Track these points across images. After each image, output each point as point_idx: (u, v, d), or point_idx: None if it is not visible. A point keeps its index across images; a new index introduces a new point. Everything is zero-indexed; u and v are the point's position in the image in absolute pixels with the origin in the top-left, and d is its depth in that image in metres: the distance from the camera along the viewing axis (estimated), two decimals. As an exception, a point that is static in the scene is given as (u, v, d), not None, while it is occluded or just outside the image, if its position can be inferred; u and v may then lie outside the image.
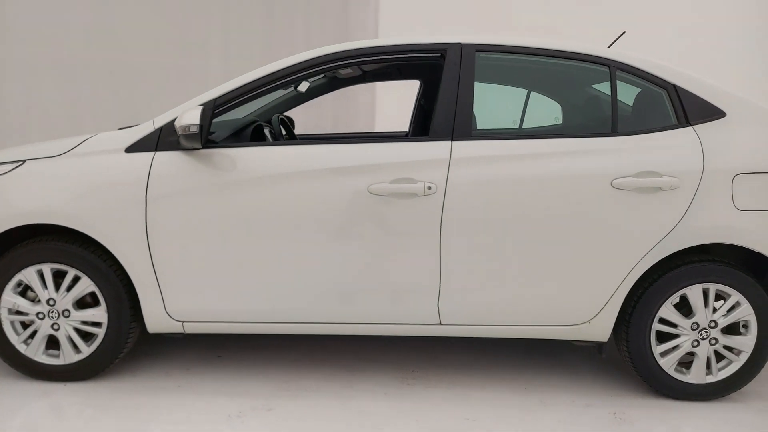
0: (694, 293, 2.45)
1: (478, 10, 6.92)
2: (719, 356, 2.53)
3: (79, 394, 2.45)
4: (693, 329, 2.47)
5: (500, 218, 2.38)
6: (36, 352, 2.49)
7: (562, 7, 6.70)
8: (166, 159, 2.39)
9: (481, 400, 2.50)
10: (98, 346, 2.48)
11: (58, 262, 2.42)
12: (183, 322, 2.47)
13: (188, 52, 5.66)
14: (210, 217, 2.37)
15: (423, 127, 3.35)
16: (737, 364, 2.51)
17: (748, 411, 2.47)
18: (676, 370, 2.54)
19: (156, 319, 2.46)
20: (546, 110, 2.90)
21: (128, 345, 2.52)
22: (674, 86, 2.50)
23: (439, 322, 2.48)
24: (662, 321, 2.48)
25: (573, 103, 2.91)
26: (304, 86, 3.40)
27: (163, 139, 2.40)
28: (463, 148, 2.40)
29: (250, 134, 2.76)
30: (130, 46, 5.64)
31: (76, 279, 2.44)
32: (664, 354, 2.51)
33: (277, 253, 2.39)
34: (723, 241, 2.40)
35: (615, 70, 2.52)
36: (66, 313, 2.46)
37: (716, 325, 2.48)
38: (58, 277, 2.46)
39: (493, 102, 2.79)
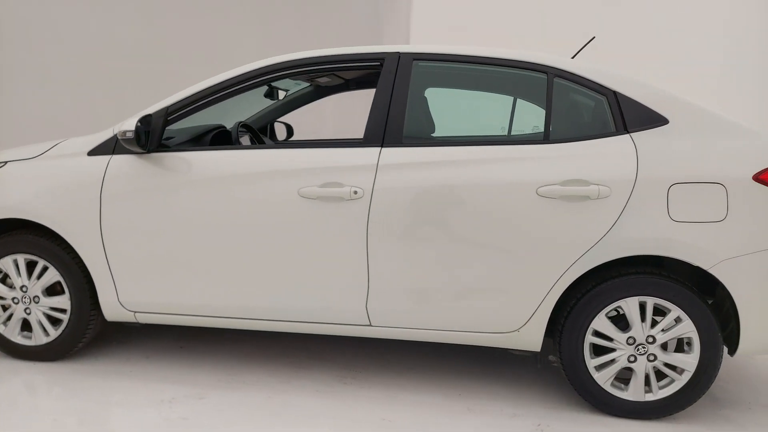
0: (630, 306, 2.37)
1: (509, 17, 6.87)
2: (661, 374, 2.43)
3: (45, 374, 2.71)
4: (629, 344, 2.39)
5: (426, 224, 2.41)
6: (13, 333, 2.79)
7: (595, 13, 6.52)
8: (121, 162, 2.61)
9: (408, 402, 2.53)
10: (63, 331, 2.74)
11: (30, 253, 2.71)
12: (135, 312, 2.68)
13: (215, 63, 6.01)
14: (155, 216, 2.56)
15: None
16: (679, 383, 2.39)
17: (688, 433, 2.35)
18: (613, 385, 2.45)
19: (111, 309, 2.69)
20: (494, 118, 2.89)
21: (89, 330, 2.76)
22: (614, 92, 2.44)
23: (369, 323, 2.54)
24: (597, 334, 2.41)
25: (515, 110, 2.89)
26: (280, 94, 3.59)
27: (120, 143, 2.63)
28: (392, 154, 2.46)
29: (210, 140, 2.95)
30: (133, 54, 6.00)
31: (45, 269, 2.71)
32: (599, 368, 2.44)
33: (213, 252, 2.54)
34: (657, 253, 2.31)
35: (553, 77, 2.49)
36: (36, 299, 2.74)
37: (654, 340, 2.38)
38: (33, 266, 2.74)
39: (445, 110, 2.83)
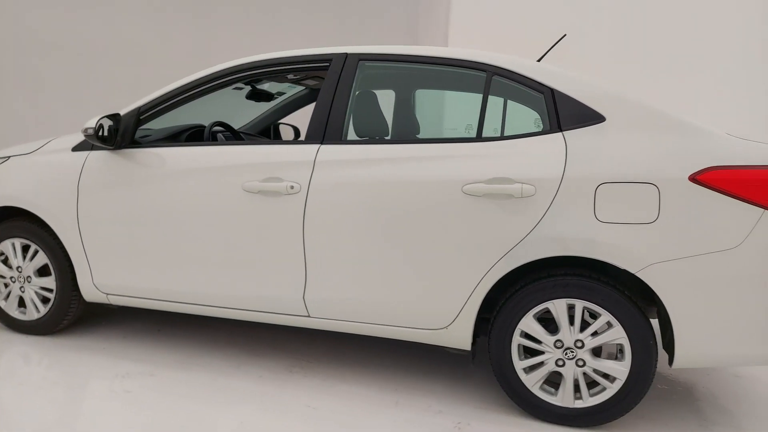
0: (557, 308, 2.31)
1: (549, 17, 6.71)
2: (592, 381, 2.34)
3: (34, 346, 3.03)
4: (557, 347, 2.33)
5: (359, 219, 2.48)
6: (11, 308, 3.14)
7: (633, 21, 6.23)
8: (97, 157, 2.88)
9: (341, 392, 2.59)
10: (50, 309, 3.05)
11: (24, 238, 3.04)
12: (107, 294, 2.93)
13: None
14: (121, 206, 2.80)
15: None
16: (611, 391, 2.30)
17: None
18: (543, 389, 2.40)
19: (87, 290, 2.96)
20: (441, 117, 2.89)
21: (72, 309, 3.04)
22: (551, 90, 2.39)
23: (307, 314, 2.63)
24: (526, 335, 2.37)
25: (457, 108, 2.87)
26: (268, 95, 3.76)
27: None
28: (330, 151, 2.54)
29: (186, 138, 3.16)
30: (134, 58, 6.41)
31: (36, 252, 3.04)
32: (528, 370, 2.39)
33: (167, 241, 2.74)
34: (580, 254, 2.23)
35: (491, 75, 2.48)
36: (29, 279, 3.07)
37: (584, 345, 2.30)
38: (27, 250, 3.08)
39: (396, 109, 2.87)
